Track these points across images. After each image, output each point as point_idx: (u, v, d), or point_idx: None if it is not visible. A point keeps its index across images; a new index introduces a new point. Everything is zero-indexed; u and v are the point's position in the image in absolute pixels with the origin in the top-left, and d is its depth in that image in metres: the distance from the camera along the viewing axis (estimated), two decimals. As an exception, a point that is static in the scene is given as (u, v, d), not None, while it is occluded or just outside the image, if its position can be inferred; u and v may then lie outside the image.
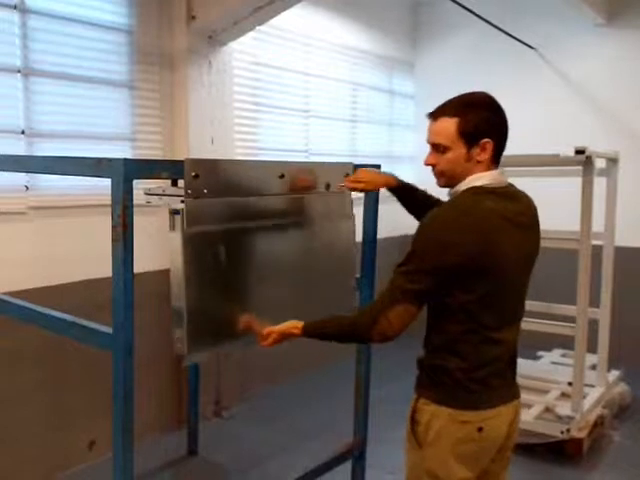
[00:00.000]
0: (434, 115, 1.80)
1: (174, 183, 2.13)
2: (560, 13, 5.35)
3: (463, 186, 1.78)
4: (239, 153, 4.23)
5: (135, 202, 1.73)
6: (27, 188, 3.16)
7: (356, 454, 2.78)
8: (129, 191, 1.71)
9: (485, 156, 1.76)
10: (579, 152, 3.47)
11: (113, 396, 1.79)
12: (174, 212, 1.91)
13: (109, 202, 1.72)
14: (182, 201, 1.90)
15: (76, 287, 3.28)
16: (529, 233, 1.83)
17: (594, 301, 3.94)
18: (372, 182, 2.32)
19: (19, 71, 3.12)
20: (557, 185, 4.51)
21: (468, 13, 4.74)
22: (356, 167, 2.49)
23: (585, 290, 3.62)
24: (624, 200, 4.32)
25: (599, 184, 3.73)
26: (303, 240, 2.42)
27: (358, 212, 2.61)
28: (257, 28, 4.03)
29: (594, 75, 5.36)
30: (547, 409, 3.78)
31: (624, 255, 4.61)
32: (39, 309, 2.21)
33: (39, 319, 2.23)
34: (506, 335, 1.79)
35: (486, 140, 1.74)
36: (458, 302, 1.71)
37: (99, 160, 1.79)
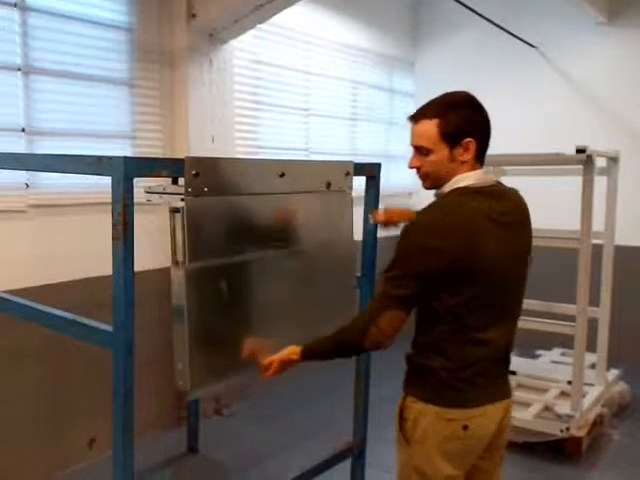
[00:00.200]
0: (415, 118, 1.80)
1: (174, 181, 2.13)
2: (561, 12, 5.35)
3: (448, 187, 1.78)
4: (239, 151, 4.23)
5: (135, 200, 1.73)
6: (27, 186, 3.16)
7: (356, 453, 2.78)
8: (129, 189, 1.71)
9: (468, 156, 1.75)
10: (580, 151, 3.46)
11: (113, 394, 1.79)
12: (174, 210, 1.91)
13: (109, 200, 1.72)
14: (182, 199, 1.90)
15: (76, 285, 3.28)
16: (517, 231, 1.81)
17: (594, 300, 3.94)
18: (403, 214, 2.24)
19: (19, 69, 3.12)
20: (557, 184, 4.51)
21: (469, 11, 4.74)
22: (356, 165, 2.49)
23: (585, 289, 3.62)
24: (624, 199, 4.32)
25: (599, 183, 3.73)
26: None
27: (358, 212, 2.60)
28: (258, 26, 4.03)
29: (595, 74, 5.36)
30: (546, 408, 3.78)
31: (624, 254, 4.61)
32: (39, 307, 2.20)
33: (39, 317, 2.22)
34: (493, 335, 1.77)
35: (468, 140, 1.74)
36: (445, 305, 1.72)
37: (99, 158, 1.78)
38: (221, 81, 3.97)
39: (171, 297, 1.95)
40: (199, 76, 3.82)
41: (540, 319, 3.85)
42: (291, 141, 4.85)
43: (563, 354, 4.73)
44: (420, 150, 1.79)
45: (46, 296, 2.72)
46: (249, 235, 2.18)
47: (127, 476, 1.81)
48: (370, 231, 2.64)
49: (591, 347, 3.95)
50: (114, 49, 3.55)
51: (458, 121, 1.73)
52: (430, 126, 1.74)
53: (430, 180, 1.82)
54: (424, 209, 1.78)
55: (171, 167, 1.89)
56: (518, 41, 5.34)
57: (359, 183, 2.60)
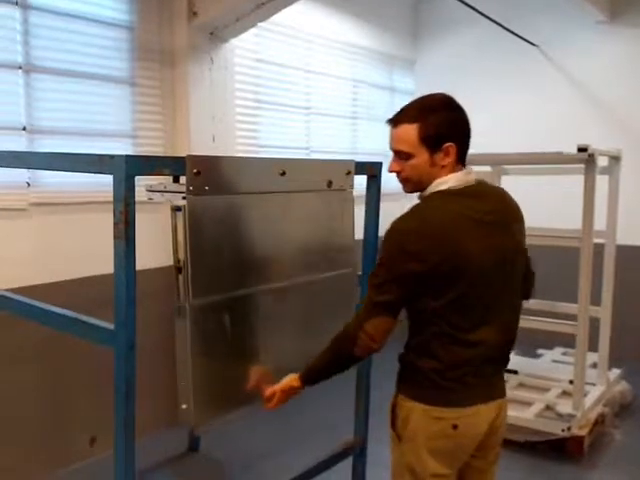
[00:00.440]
0: (394, 121, 1.79)
1: (176, 180, 2.12)
2: (562, 11, 5.35)
3: (429, 191, 1.78)
4: (240, 150, 4.23)
5: (137, 199, 1.73)
6: (28, 185, 3.16)
7: (357, 451, 2.77)
8: (131, 188, 1.70)
9: (449, 160, 1.75)
10: (581, 150, 3.46)
11: (114, 392, 1.79)
12: (176, 209, 1.91)
13: (110, 199, 1.72)
14: (184, 198, 1.90)
15: (78, 284, 3.28)
16: (503, 230, 1.79)
17: (595, 299, 3.94)
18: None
19: (20, 67, 3.12)
20: (559, 183, 4.50)
21: (470, 10, 4.73)
22: (358, 164, 2.49)
23: (586, 288, 3.62)
24: (626, 198, 4.31)
25: (601, 182, 3.73)
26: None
27: (359, 211, 2.60)
28: (259, 25, 4.03)
29: (596, 73, 5.35)
30: (548, 407, 3.78)
31: (626, 253, 4.61)
32: (40, 305, 2.20)
33: (40, 315, 2.22)
34: (484, 335, 1.76)
35: (449, 144, 1.73)
36: (430, 308, 1.72)
37: (101, 157, 1.78)
38: (222, 80, 3.96)
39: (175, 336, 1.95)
40: (200, 75, 3.82)
41: (541, 318, 3.84)
42: (292, 140, 4.85)
43: (564, 353, 4.72)
44: (400, 154, 1.79)
45: (47, 294, 2.71)
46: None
47: (128, 474, 1.81)
48: (371, 230, 2.63)
49: (593, 346, 3.95)
50: (115, 47, 3.55)
51: (438, 125, 1.72)
52: (410, 130, 1.74)
53: (411, 184, 1.82)
54: (404, 213, 1.77)
55: (172, 165, 1.89)
56: (519, 40, 5.33)
57: (360, 182, 2.59)
